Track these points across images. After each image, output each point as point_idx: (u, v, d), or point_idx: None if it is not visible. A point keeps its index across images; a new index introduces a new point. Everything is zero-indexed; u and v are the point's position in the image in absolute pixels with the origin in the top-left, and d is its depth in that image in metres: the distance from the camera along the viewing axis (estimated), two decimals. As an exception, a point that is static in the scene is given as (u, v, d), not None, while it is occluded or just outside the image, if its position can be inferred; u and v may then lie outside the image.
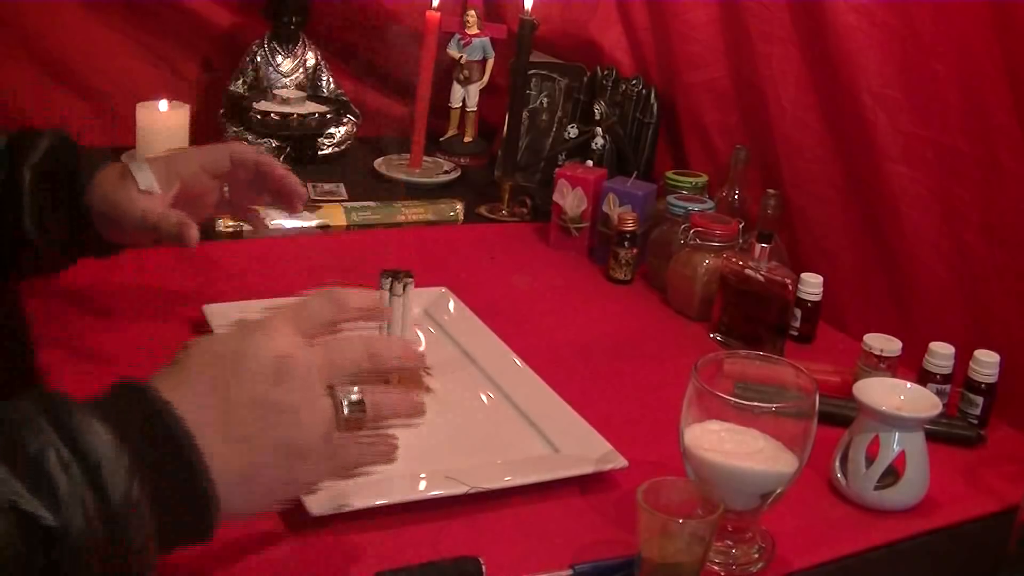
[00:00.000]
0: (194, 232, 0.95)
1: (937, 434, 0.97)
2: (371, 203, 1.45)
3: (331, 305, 0.69)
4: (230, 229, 1.31)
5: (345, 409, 0.66)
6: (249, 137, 1.64)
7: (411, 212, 1.45)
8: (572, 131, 1.59)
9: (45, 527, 0.53)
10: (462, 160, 1.75)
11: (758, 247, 1.12)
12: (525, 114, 1.61)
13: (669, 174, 1.40)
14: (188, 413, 0.60)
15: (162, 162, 1.00)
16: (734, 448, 0.76)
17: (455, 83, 1.77)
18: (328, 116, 1.67)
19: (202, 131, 1.62)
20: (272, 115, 1.62)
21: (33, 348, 0.98)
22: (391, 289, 0.96)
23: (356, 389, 0.68)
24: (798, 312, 1.19)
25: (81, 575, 0.54)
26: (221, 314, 1.03)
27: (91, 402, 0.59)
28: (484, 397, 0.99)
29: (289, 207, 1.06)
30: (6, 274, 1.01)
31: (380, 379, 0.74)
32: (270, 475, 0.64)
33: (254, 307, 1.06)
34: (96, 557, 0.55)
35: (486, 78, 1.77)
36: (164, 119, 1.54)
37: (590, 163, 1.49)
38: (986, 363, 1.01)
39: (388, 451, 0.71)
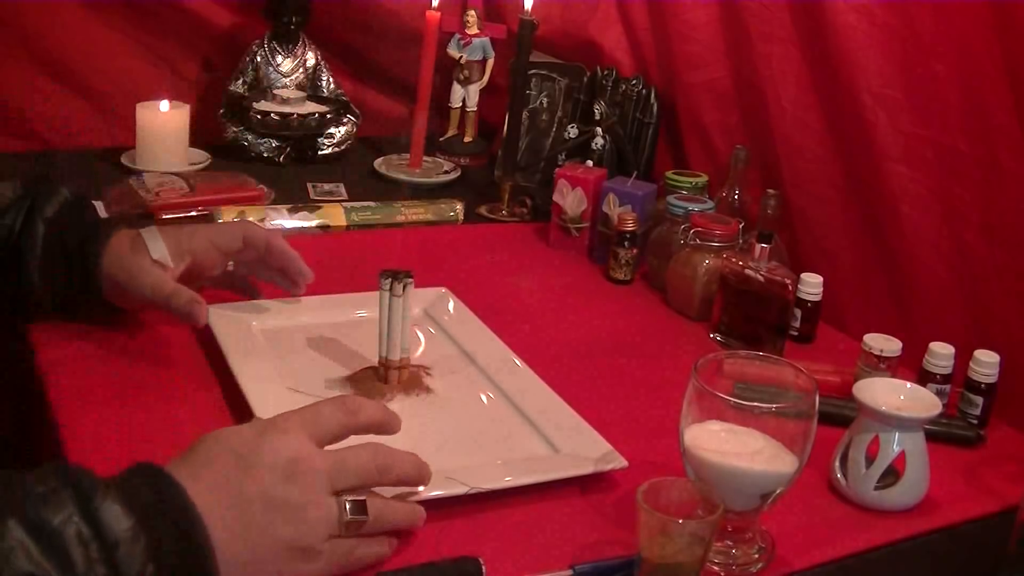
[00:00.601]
0: (204, 311, 0.97)
1: (937, 434, 0.97)
2: (371, 203, 1.45)
3: (343, 413, 0.73)
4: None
5: (348, 514, 0.70)
6: (249, 137, 1.64)
7: (411, 212, 1.45)
8: (572, 131, 1.59)
9: None
10: (462, 160, 1.75)
11: (758, 247, 1.12)
12: (525, 114, 1.61)
13: (669, 174, 1.40)
14: (201, 502, 0.63)
15: (174, 234, 1.01)
16: (734, 448, 0.76)
17: (455, 83, 1.77)
18: (328, 116, 1.67)
19: (202, 131, 1.62)
20: (272, 115, 1.63)
21: (33, 349, 0.98)
22: (391, 289, 0.96)
23: (360, 498, 0.71)
24: (798, 312, 1.19)
25: None
26: (221, 315, 1.03)
27: (112, 482, 0.62)
28: (484, 397, 0.99)
29: (293, 286, 1.08)
30: (5, 313, 1.02)
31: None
32: (271, 567, 0.67)
33: (254, 307, 1.07)
34: None
35: (486, 78, 1.77)
36: (164, 119, 1.54)
37: (590, 163, 1.48)
38: (986, 363, 1.01)
39: (386, 550, 0.74)
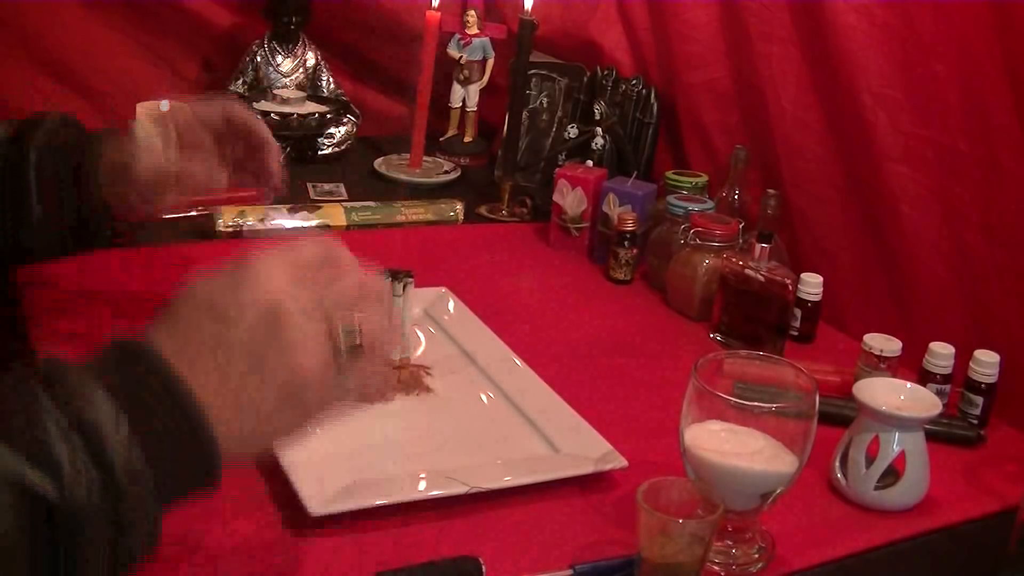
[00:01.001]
0: (221, 173, 0.97)
1: (937, 434, 0.97)
2: (371, 203, 1.45)
3: (320, 247, 0.68)
4: (230, 229, 1.31)
5: (342, 340, 0.65)
6: (249, 137, 1.64)
7: (411, 212, 1.45)
8: (572, 131, 1.59)
9: (48, 501, 0.53)
10: (462, 160, 1.75)
11: (758, 247, 1.12)
12: (525, 114, 1.61)
13: (669, 174, 1.40)
14: (187, 369, 0.59)
15: (159, 117, 1.01)
16: (734, 448, 0.76)
17: (455, 83, 1.77)
18: (328, 116, 1.67)
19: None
20: (272, 115, 1.62)
21: (33, 349, 0.98)
22: (391, 289, 0.96)
23: (351, 320, 0.66)
24: (798, 312, 1.19)
25: (84, 546, 0.54)
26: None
27: (87, 365, 0.58)
28: (484, 397, 0.99)
29: (267, 187, 1.05)
30: (10, 259, 1.00)
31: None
32: (273, 418, 0.63)
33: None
34: (99, 527, 0.54)
35: (486, 78, 1.77)
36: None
37: (590, 163, 1.49)
38: (986, 363, 1.01)
39: (385, 378, 0.69)
